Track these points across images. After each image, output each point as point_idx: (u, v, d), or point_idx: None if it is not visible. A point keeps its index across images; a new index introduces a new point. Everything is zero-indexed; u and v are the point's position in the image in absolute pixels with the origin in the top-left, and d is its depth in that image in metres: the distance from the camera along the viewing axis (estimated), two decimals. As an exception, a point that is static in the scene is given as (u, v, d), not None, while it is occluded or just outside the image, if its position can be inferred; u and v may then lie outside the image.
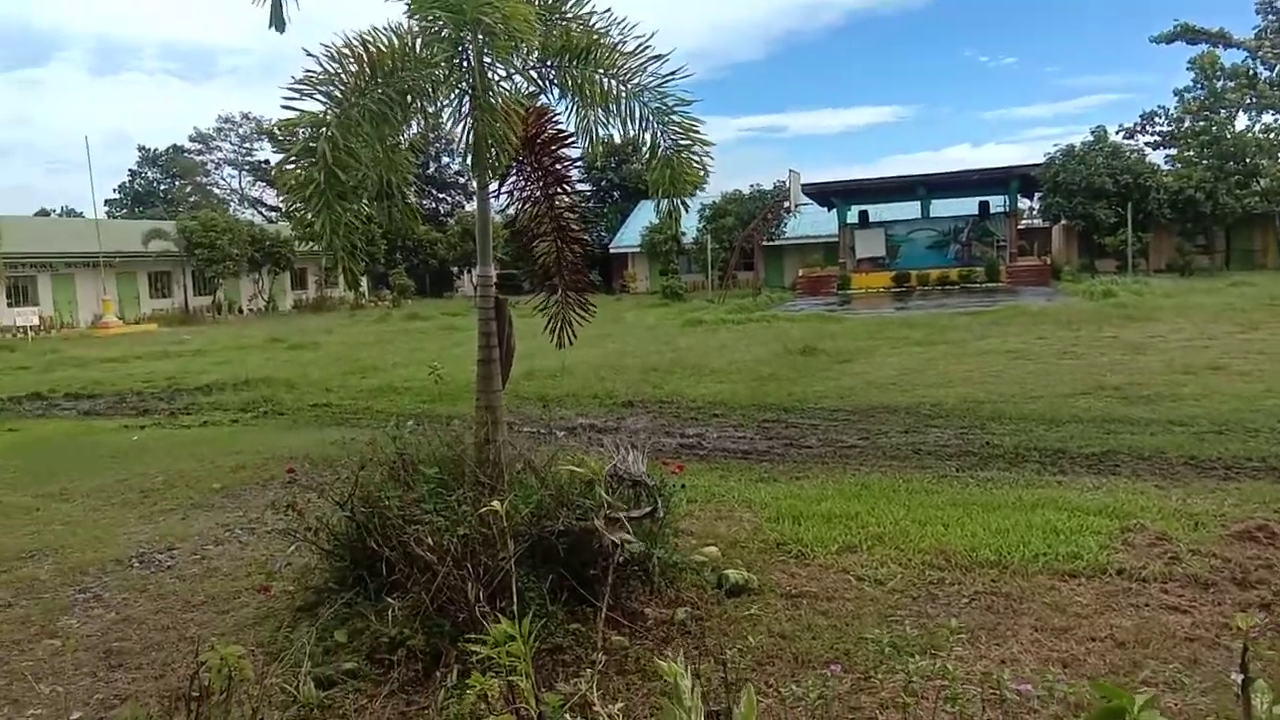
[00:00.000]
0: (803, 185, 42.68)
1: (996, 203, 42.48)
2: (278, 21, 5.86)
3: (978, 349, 16.22)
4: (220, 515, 7.28)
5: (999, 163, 50.77)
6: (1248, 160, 41.43)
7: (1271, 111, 43.54)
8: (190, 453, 9.94)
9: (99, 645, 4.72)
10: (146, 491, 8.19)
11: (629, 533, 4.24)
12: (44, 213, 66.03)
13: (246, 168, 72.48)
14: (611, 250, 55.34)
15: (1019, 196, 43.11)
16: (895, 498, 6.71)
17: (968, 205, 43.51)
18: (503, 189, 5.71)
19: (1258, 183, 41.17)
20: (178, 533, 6.80)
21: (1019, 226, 44.70)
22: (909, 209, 43.93)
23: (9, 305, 37.08)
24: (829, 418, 10.58)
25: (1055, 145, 43.26)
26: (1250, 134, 42.73)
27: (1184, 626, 4.28)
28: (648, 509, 4.76)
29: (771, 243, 48.74)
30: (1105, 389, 11.25)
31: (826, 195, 44.04)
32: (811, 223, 49.63)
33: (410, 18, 5.07)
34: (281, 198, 5.23)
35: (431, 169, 63.58)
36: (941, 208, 44.21)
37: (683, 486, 5.63)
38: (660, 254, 49.10)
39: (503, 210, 6.26)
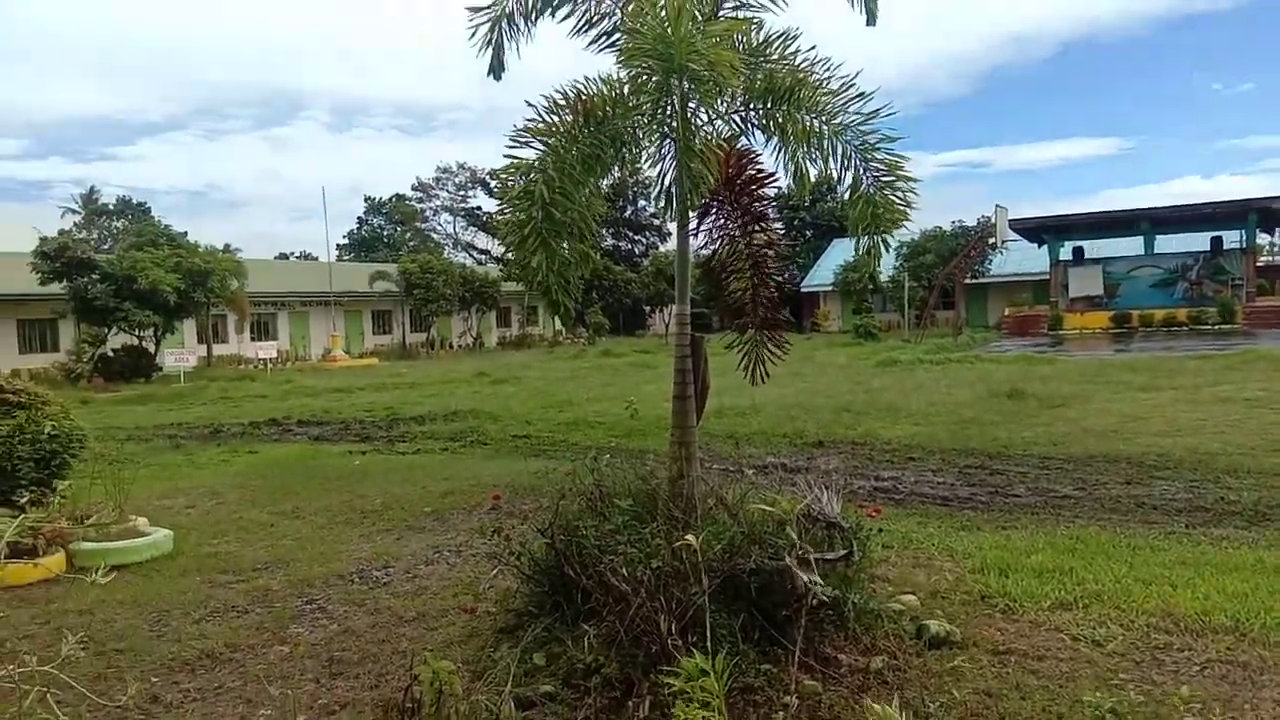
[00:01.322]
0: (1010, 220, 40.69)
1: (1231, 238, 38.82)
2: (497, 69, 6.30)
3: (1211, 395, 14.79)
4: (431, 537, 7.74)
5: (1234, 195, 46.38)
6: None
7: None
8: (405, 478, 10.65)
9: (322, 653, 5.12)
10: (366, 512, 8.84)
11: (818, 575, 4.16)
12: (283, 256, 73.17)
13: (461, 214, 77.59)
14: (803, 289, 54.88)
15: (1258, 231, 39.18)
16: (1115, 554, 6.21)
17: (1198, 241, 40.08)
18: (701, 227, 5.83)
19: None
20: (393, 552, 7.29)
21: (1258, 264, 40.59)
22: (1130, 245, 40.94)
23: (252, 339, 41.25)
24: (1039, 465, 9.96)
25: (1302, 173, 39.11)
26: None
27: None
28: (843, 552, 4.66)
29: (975, 280, 46.75)
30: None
31: (1037, 231, 41.81)
32: (1020, 260, 47.30)
33: (621, 68, 5.32)
34: (501, 240, 5.60)
35: (629, 211, 65.56)
36: (1167, 244, 40.91)
37: (879, 530, 5.47)
38: (853, 292, 48.19)
39: (698, 250, 6.38)
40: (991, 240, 41.67)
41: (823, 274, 53.50)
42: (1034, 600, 5.31)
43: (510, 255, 5.72)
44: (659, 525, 4.76)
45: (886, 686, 4.22)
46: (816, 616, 4.55)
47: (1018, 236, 42.54)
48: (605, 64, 5.54)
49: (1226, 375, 17.72)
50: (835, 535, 4.82)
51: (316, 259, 63.98)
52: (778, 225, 6.40)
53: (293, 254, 76.86)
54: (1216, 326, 34.40)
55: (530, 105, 5.38)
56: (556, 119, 5.36)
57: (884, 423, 13.34)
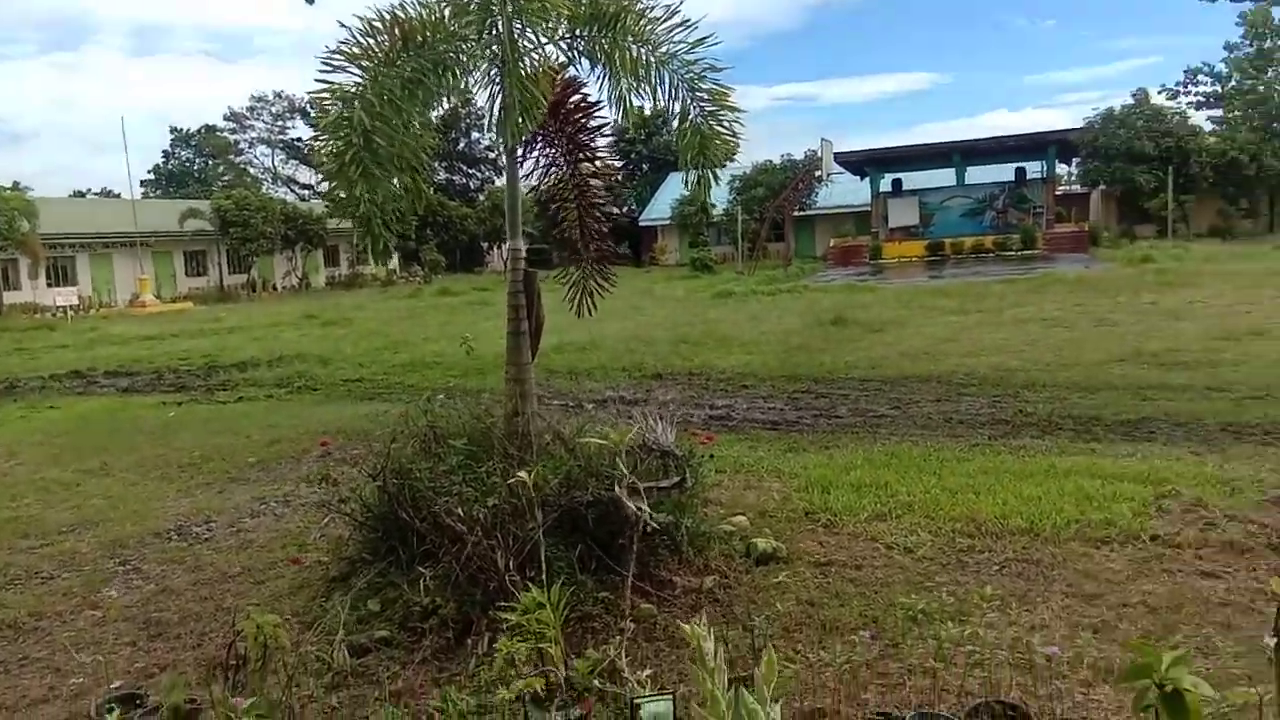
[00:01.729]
0: (835, 154, 42.23)
1: (1033, 169, 41.74)
2: (309, -9, 5.88)
3: (1013, 317, 16.02)
4: (256, 489, 7.41)
5: (1037, 128, 49.80)
6: (1294, 121, 40.39)
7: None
8: (227, 428, 10.11)
9: (139, 616, 4.84)
10: (184, 466, 8.35)
11: (647, 502, 4.25)
12: (79, 194, 66.97)
13: (280, 146, 73.00)
14: (641, 223, 55.20)
15: (1057, 162, 42.30)
16: (926, 466, 6.66)
17: (1004, 172, 42.81)
18: (528, 155, 5.70)
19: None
20: (214, 506, 6.94)
21: (1057, 193, 43.90)
22: (944, 177, 43.29)
23: (49, 285, 37.75)
24: (860, 388, 10.51)
25: (1094, 109, 42.46)
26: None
27: (1218, 592, 4.23)
28: (676, 479, 4.77)
29: (802, 213, 48.34)
30: (1142, 356, 11.07)
31: (859, 164, 43.51)
32: (843, 192, 49.12)
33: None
34: (319, 170, 5.30)
35: (462, 144, 63.67)
36: (977, 175, 43.51)
37: (711, 456, 5.64)
38: (690, 226, 48.89)
39: (532, 186, 6.26)
40: (818, 173, 43.19)
41: (660, 208, 53.92)
42: (853, 513, 5.64)
43: (326, 186, 5.41)
44: (495, 464, 4.73)
45: (718, 604, 4.39)
46: (652, 543, 4.66)
47: (842, 169, 44.19)
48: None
49: (1027, 298, 19.19)
50: (669, 464, 4.92)
51: (119, 196, 58.81)
52: (610, 157, 6.36)
53: (90, 191, 70.50)
54: (1020, 252, 37.07)
55: (344, 27, 5.08)
56: (373, 42, 5.08)
57: (719, 353, 13.71)
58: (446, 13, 5.17)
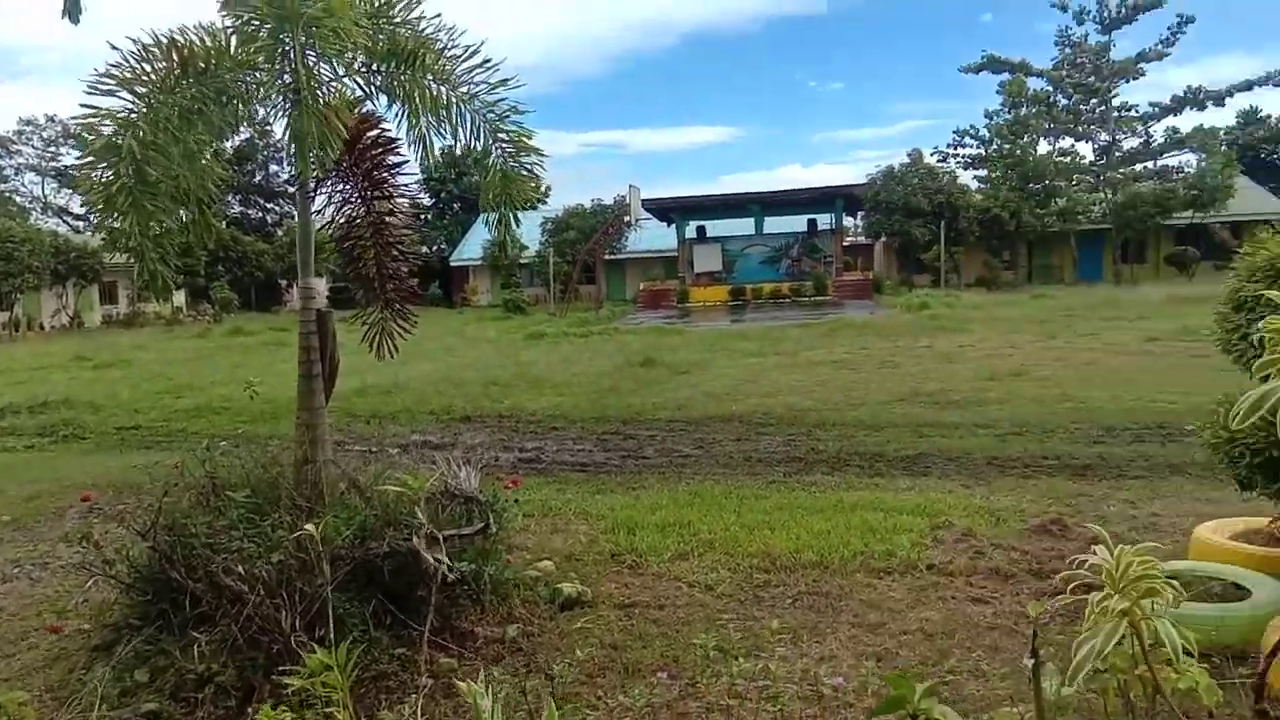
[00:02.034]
0: (643, 200, 43.38)
1: (823, 220, 44.55)
2: (73, 11, 5.45)
3: (806, 359, 16.91)
4: (9, 550, 6.63)
5: (827, 182, 53.30)
6: (1047, 182, 45.23)
7: (1068, 137, 47.75)
8: (-26, 483, 9.01)
9: None
10: (-81, 528, 7.36)
11: (448, 550, 4.13)
12: None
13: (51, 174, 66.79)
14: (453, 263, 54.50)
15: (844, 214, 45.36)
16: (727, 504, 6.87)
17: (798, 223, 45.41)
18: (320, 190, 5.49)
19: (1056, 203, 45.01)
20: (-45, 572, 6.13)
21: (844, 243, 47.00)
22: (744, 225, 45.41)
23: None
24: (667, 428, 10.74)
25: (876, 166, 45.96)
26: (1050, 157, 46.64)
27: (986, 616, 4.57)
28: (479, 526, 4.67)
29: (614, 256, 49.25)
30: (920, 396, 11.95)
31: (666, 211, 44.94)
32: (653, 237, 50.49)
33: (225, 17, 4.83)
34: (84, 199, 4.86)
35: (259, 177, 60.70)
36: (774, 224, 45.92)
37: (516, 501, 5.56)
38: (502, 267, 48.65)
39: (328, 222, 6.02)
40: (627, 218, 44.16)
41: (471, 248, 53.44)
42: (657, 554, 5.71)
43: (94, 218, 4.99)
44: (282, 516, 4.44)
45: (520, 653, 4.31)
46: (453, 593, 4.52)
47: (650, 215, 45.46)
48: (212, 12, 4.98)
49: (819, 341, 20.35)
50: (473, 510, 4.81)
51: None
52: (414, 195, 6.21)
53: None
54: (813, 298, 39.32)
55: (115, 49, 4.73)
56: (149, 67, 4.76)
57: (530, 395, 13.63)
58: (233, 40, 4.92)
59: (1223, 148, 47.19)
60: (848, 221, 48.06)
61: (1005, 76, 47.04)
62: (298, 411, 5.27)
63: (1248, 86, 45.73)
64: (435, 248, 55.13)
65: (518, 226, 5.84)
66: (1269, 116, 56.18)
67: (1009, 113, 46.09)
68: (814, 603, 4.85)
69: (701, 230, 45.13)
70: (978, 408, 10.97)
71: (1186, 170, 45.26)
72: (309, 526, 3.55)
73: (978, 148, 48.30)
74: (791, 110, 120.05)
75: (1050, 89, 46.87)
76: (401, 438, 10.47)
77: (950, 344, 18.37)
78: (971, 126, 48.27)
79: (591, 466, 8.90)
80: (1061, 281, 44.52)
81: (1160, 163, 46.80)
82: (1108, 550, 2.35)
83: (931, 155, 48.68)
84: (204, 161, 5.01)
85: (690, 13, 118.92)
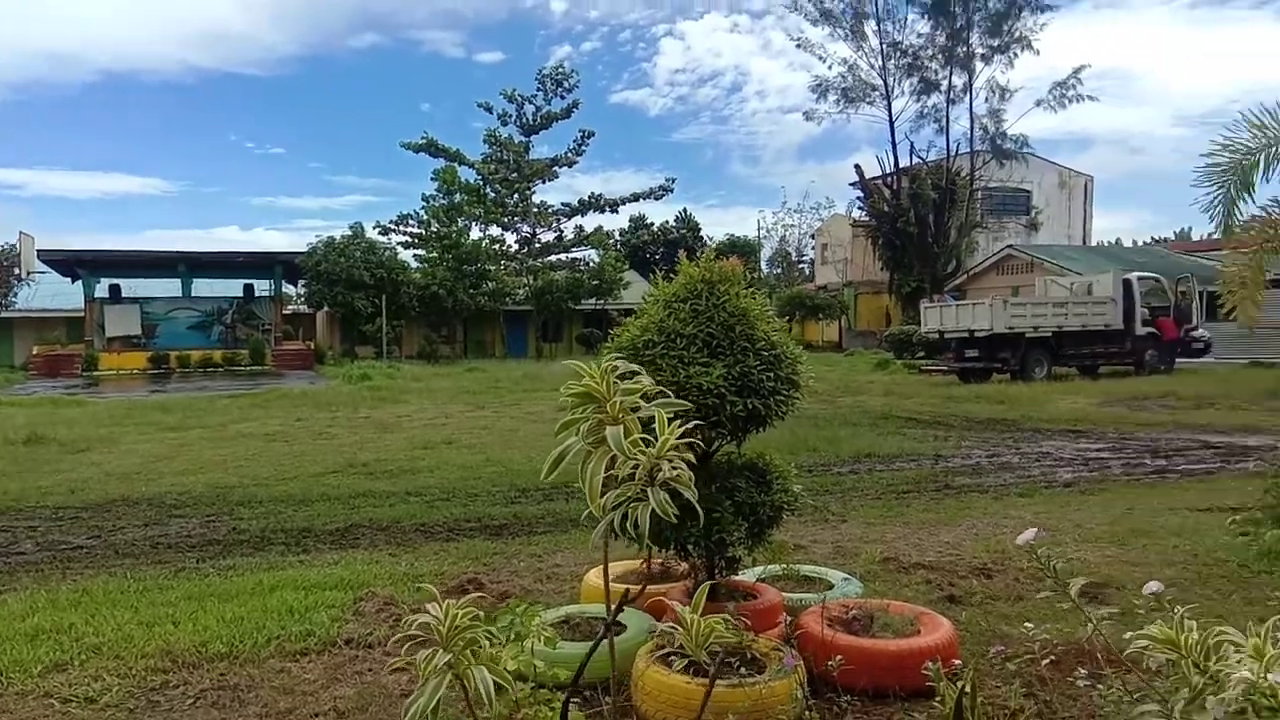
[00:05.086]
0: (38, 251, 37.14)
1: (262, 286, 42.65)
2: None
3: (236, 432, 15.81)
4: None
5: (268, 248, 51.17)
6: (479, 265, 48.85)
7: (496, 226, 52.24)
8: None
9: None
10: None
11: None
12: None
13: None
14: None
15: (284, 282, 43.94)
16: (123, 600, 6.01)
17: (233, 287, 42.84)
18: None
19: (487, 284, 48.77)
20: None
21: (285, 311, 45.44)
22: (170, 287, 41.44)
23: None
24: (53, 517, 9.13)
25: (317, 236, 45.47)
26: (482, 243, 50.52)
27: (402, 684, 4.61)
28: None
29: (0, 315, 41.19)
30: (355, 466, 11.88)
31: (71, 264, 39.06)
32: (53, 295, 43.49)
33: None
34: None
35: None
36: (206, 288, 42.69)
37: None
38: None
39: None
40: (17, 271, 37.42)
41: None
42: (24, 668, 4.76)
43: None
44: None
45: None
46: None
47: (48, 269, 39.14)
48: None
49: (252, 412, 19.19)
50: None
51: None
52: None
53: None
54: (249, 367, 37.15)
55: None
56: None
57: None
58: None
59: (616, 247, 55.91)
60: (289, 289, 46.71)
61: (444, 163, 50.16)
62: None
63: (635, 198, 54.91)
64: None
65: None
66: (652, 224, 68.00)
67: (445, 198, 49.10)
68: (219, 698, 4.43)
69: (115, 289, 40.09)
70: (410, 476, 11.24)
71: (591, 263, 52.51)
72: None
73: (418, 227, 50.55)
74: (230, 170, 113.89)
75: (481, 181, 51.09)
76: None
77: (389, 414, 18.65)
78: (414, 211, 50.53)
79: (-62, 571, 7.16)
80: (494, 356, 48.28)
81: (571, 255, 53.70)
82: (438, 608, 2.52)
83: (374, 230, 49.73)
84: None
85: (108, 50, 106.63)
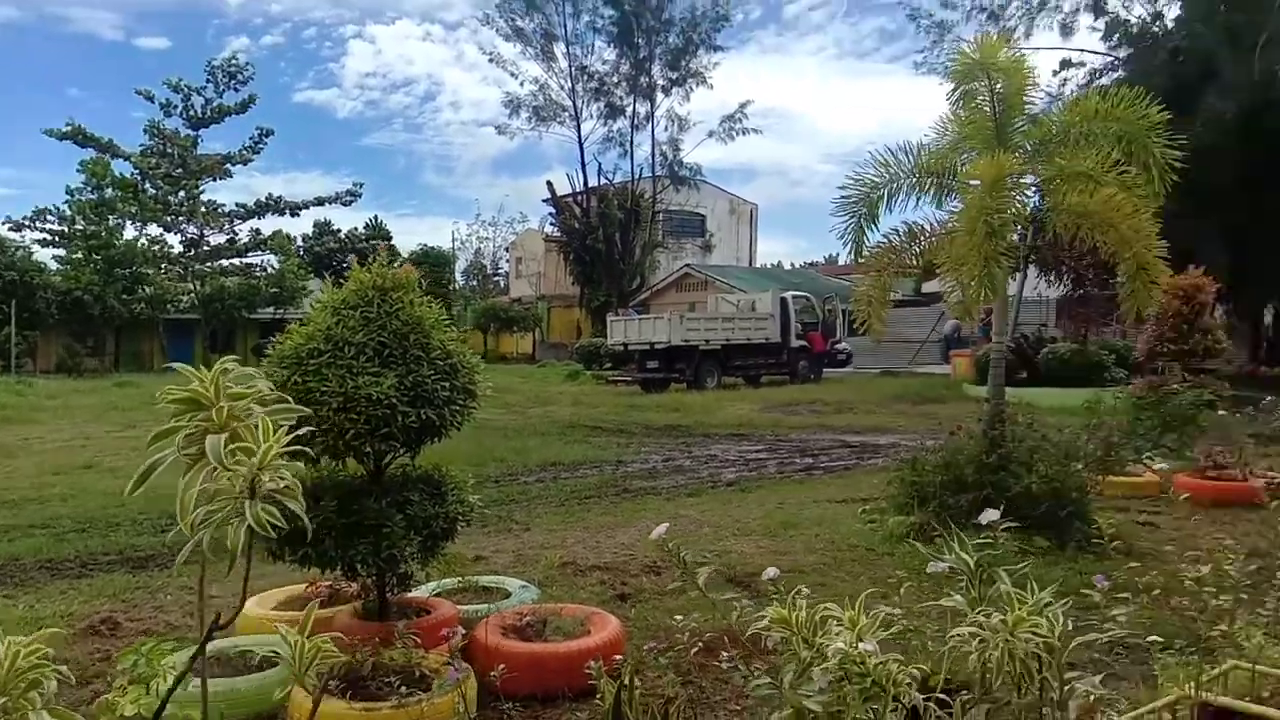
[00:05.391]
0: None
1: None
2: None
3: None
4: None
5: None
6: (135, 268, 43.77)
7: (157, 225, 47.11)
8: None
9: None
10: None
11: None
12: None
13: None
14: None
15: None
16: None
17: None
18: None
19: (144, 289, 43.79)
20: None
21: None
22: None
23: None
24: None
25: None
26: (138, 243, 45.30)
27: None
28: None
29: None
30: (-36, 498, 10.15)
31: None
32: None
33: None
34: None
35: None
36: None
37: None
38: None
39: None
40: None
41: None
42: None
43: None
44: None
45: None
46: None
47: None
48: None
49: None
50: None
51: None
52: None
53: None
54: None
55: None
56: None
57: None
58: None
59: (298, 252, 52.71)
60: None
61: (93, 153, 44.51)
62: None
63: (320, 202, 52.11)
64: None
65: None
66: (339, 230, 64.85)
67: (94, 193, 43.54)
68: None
69: None
70: (37, 506, 9.79)
71: (269, 269, 49.01)
72: None
73: (59, 224, 44.40)
74: None
75: (139, 175, 45.96)
76: None
77: (15, 436, 16.17)
78: (54, 205, 44.24)
79: None
80: (151, 369, 43.43)
81: (246, 260, 49.74)
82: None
83: (4, 226, 43.09)
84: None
85: None
